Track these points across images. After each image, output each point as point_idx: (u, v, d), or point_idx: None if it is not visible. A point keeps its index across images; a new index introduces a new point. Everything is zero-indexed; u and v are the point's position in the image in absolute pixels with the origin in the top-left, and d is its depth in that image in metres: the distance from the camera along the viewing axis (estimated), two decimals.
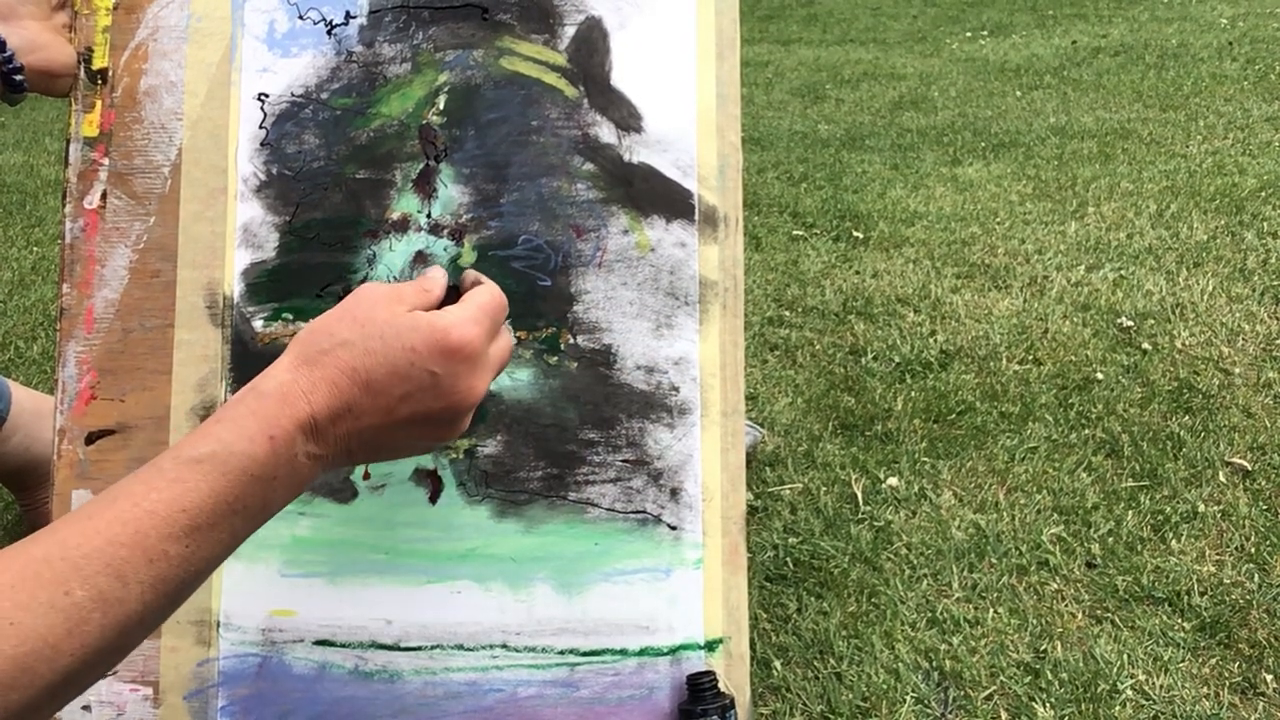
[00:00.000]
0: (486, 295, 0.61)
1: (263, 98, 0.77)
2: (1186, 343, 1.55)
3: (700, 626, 0.74)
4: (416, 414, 0.56)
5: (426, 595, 0.74)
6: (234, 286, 0.75)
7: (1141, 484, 1.22)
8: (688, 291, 0.76)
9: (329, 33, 0.77)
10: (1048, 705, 0.89)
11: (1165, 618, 0.99)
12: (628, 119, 0.77)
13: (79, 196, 0.76)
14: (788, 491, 1.25)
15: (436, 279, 0.63)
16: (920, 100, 3.59)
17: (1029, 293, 1.79)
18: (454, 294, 0.63)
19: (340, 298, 0.75)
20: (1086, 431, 1.33)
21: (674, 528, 0.75)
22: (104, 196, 0.75)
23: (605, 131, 0.77)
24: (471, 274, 0.68)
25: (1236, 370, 1.46)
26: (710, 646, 0.74)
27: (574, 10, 0.78)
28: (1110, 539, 1.12)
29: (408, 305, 0.57)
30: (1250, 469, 1.23)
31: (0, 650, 0.40)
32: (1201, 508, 1.15)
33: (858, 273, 1.94)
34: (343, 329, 0.55)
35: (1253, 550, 1.08)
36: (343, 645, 0.73)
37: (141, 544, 0.45)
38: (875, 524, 1.17)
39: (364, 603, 0.74)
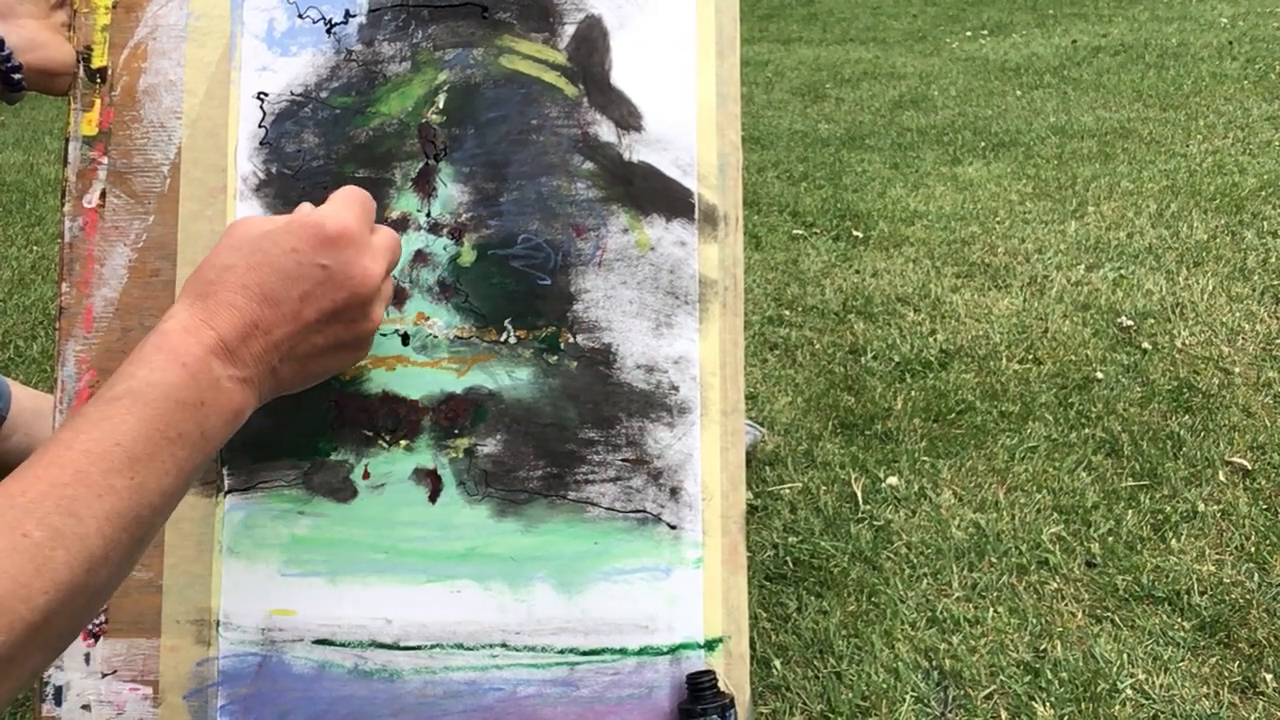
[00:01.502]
0: (348, 190, 0.62)
1: (262, 96, 0.77)
2: (1186, 342, 1.55)
3: (700, 626, 0.74)
4: (324, 311, 0.56)
5: (426, 594, 0.74)
6: None
7: (1141, 483, 1.22)
8: (687, 290, 0.76)
9: (328, 31, 0.77)
10: (1047, 704, 0.89)
11: (1165, 617, 0.99)
12: (628, 118, 0.77)
13: (78, 195, 0.75)
14: (787, 491, 1.25)
15: (303, 206, 0.63)
16: (920, 99, 3.59)
17: (1029, 292, 1.79)
18: None
19: None
20: (1086, 431, 1.33)
21: (674, 527, 0.75)
22: (103, 195, 0.75)
23: (605, 130, 0.77)
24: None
25: (1236, 370, 1.46)
26: (710, 646, 0.74)
27: (574, 9, 0.78)
28: (1110, 538, 1.12)
29: (280, 218, 0.58)
30: (1250, 468, 1.23)
31: None
32: (1201, 507, 1.15)
33: (858, 272, 1.94)
34: (224, 256, 0.56)
35: (1253, 549, 1.08)
36: (342, 645, 0.73)
37: (85, 481, 0.45)
38: (875, 523, 1.17)
39: (364, 602, 0.73)
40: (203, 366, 0.51)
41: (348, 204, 0.60)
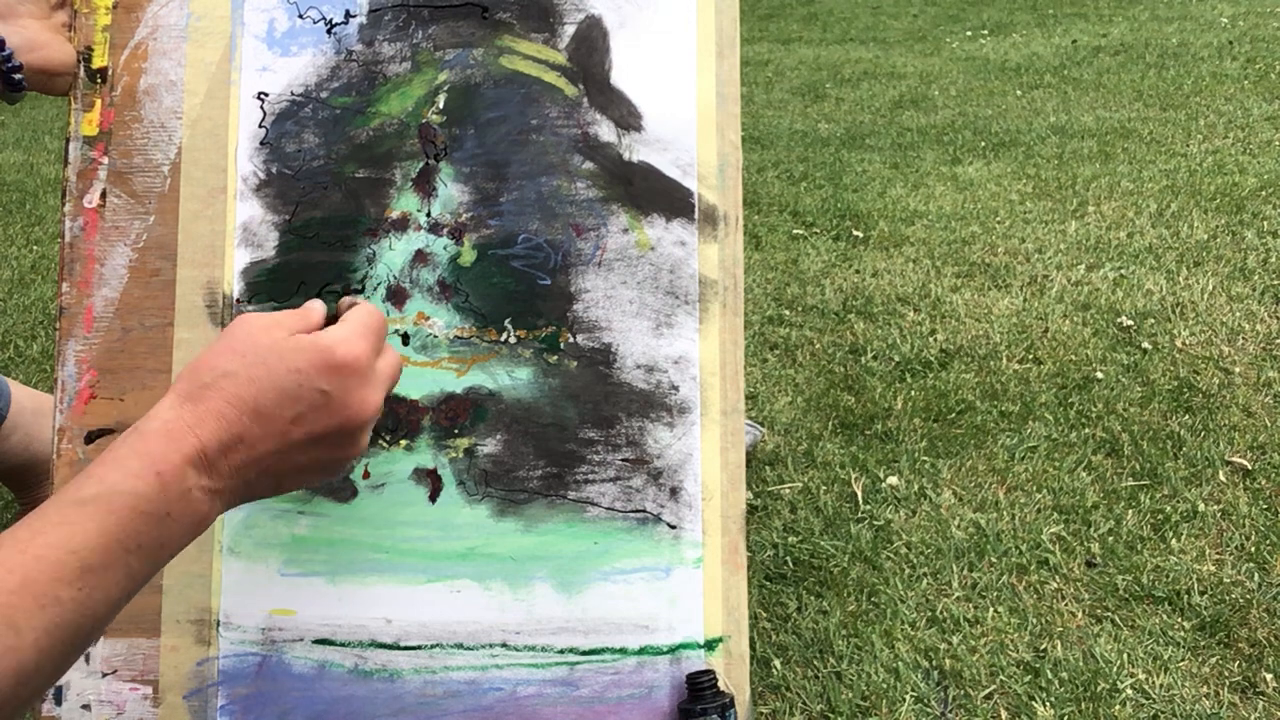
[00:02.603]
0: (365, 313, 0.60)
1: (262, 96, 0.77)
2: (1186, 342, 1.55)
3: (700, 625, 0.74)
4: (313, 434, 0.55)
5: (426, 594, 0.74)
6: (234, 285, 0.75)
7: (1141, 483, 1.22)
8: (687, 290, 0.76)
9: (329, 31, 0.77)
10: (1047, 704, 0.89)
11: (1165, 617, 0.99)
12: (627, 118, 0.77)
13: (78, 195, 0.75)
14: (787, 490, 1.25)
15: (314, 306, 0.62)
16: (920, 99, 3.59)
17: (1029, 292, 1.79)
18: (333, 321, 0.62)
19: (340, 296, 0.75)
20: (1086, 430, 1.33)
21: (674, 527, 0.75)
22: (103, 195, 0.75)
23: (605, 130, 0.77)
24: (348, 299, 0.67)
25: (1236, 369, 1.46)
26: (710, 645, 0.74)
27: (574, 9, 0.78)
28: (1110, 538, 1.12)
29: (288, 330, 0.57)
30: (1250, 468, 1.23)
31: None
32: (1201, 507, 1.15)
33: (858, 272, 1.94)
34: (224, 361, 0.54)
35: (1253, 549, 1.08)
36: (342, 644, 0.73)
37: (31, 590, 0.43)
38: (875, 523, 1.17)
39: (363, 602, 0.74)
40: (177, 476, 0.50)
41: (364, 332, 0.58)
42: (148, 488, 0.49)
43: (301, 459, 0.56)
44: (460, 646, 0.74)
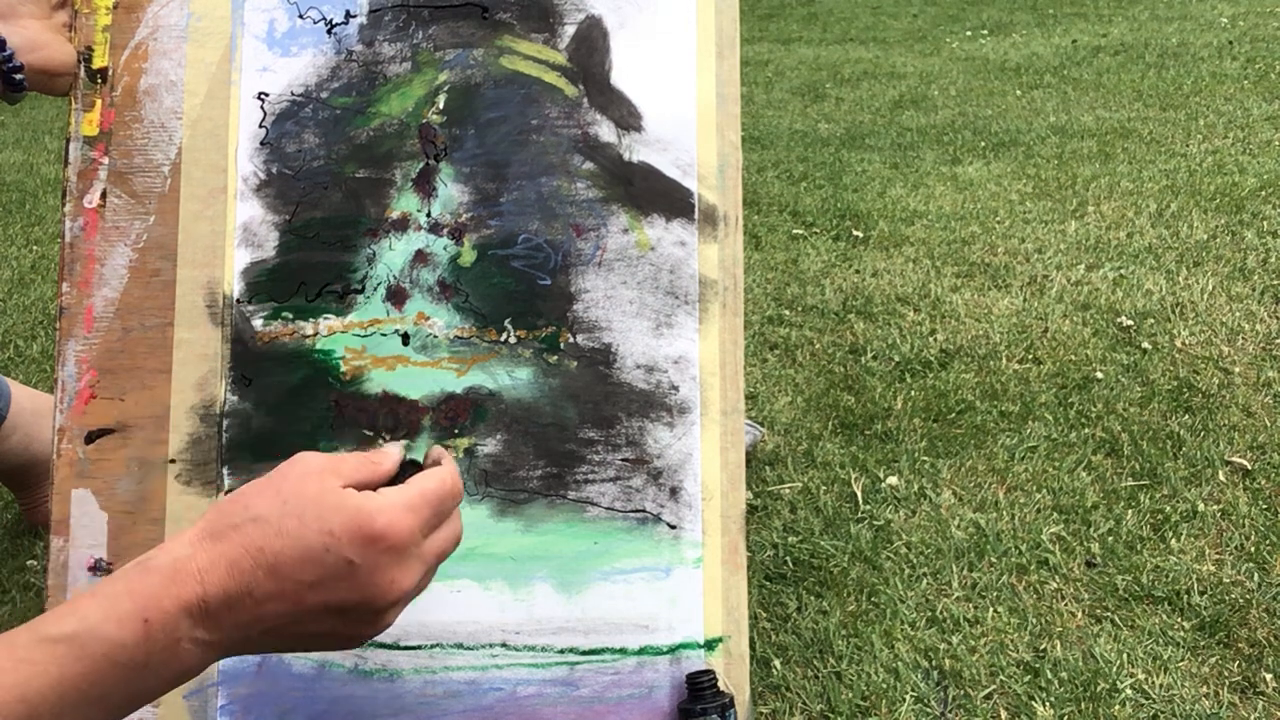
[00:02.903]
0: (434, 481, 0.55)
1: (262, 97, 0.77)
2: (1186, 342, 1.55)
3: (700, 625, 0.74)
4: (330, 604, 0.50)
5: (426, 594, 0.73)
6: (234, 285, 0.75)
7: (1141, 483, 1.22)
8: (687, 290, 0.76)
9: (329, 32, 0.77)
10: (1047, 704, 0.89)
11: (1165, 617, 0.99)
12: (627, 118, 0.77)
13: (79, 195, 0.75)
14: (787, 490, 1.25)
15: (390, 453, 0.58)
16: (920, 99, 3.59)
17: (1029, 292, 1.79)
18: (413, 469, 0.58)
19: (340, 296, 0.75)
20: (1086, 430, 1.33)
21: (673, 526, 0.75)
22: (104, 195, 0.75)
23: (605, 130, 0.77)
24: (437, 451, 0.63)
25: (1236, 369, 1.46)
26: (710, 645, 0.74)
27: (574, 9, 0.78)
28: (1110, 538, 1.12)
29: (344, 480, 0.53)
30: (1250, 468, 1.23)
31: None
32: (1201, 507, 1.15)
33: (857, 272, 1.94)
34: (260, 502, 0.50)
35: (1252, 549, 1.08)
36: None
37: None
38: (875, 523, 1.17)
39: None
40: (168, 624, 0.46)
41: (419, 504, 0.53)
42: (129, 635, 0.45)
43: (314, 627, 0.51)
44: (460, 646, 0.74)
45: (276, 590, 0.49)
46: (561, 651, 0.74)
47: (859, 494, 1.22)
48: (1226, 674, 0.92)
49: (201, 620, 0.47)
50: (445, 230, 0.76)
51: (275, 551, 0.49)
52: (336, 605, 0.50)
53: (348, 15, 0.77)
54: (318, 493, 0.51)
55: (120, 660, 0.45)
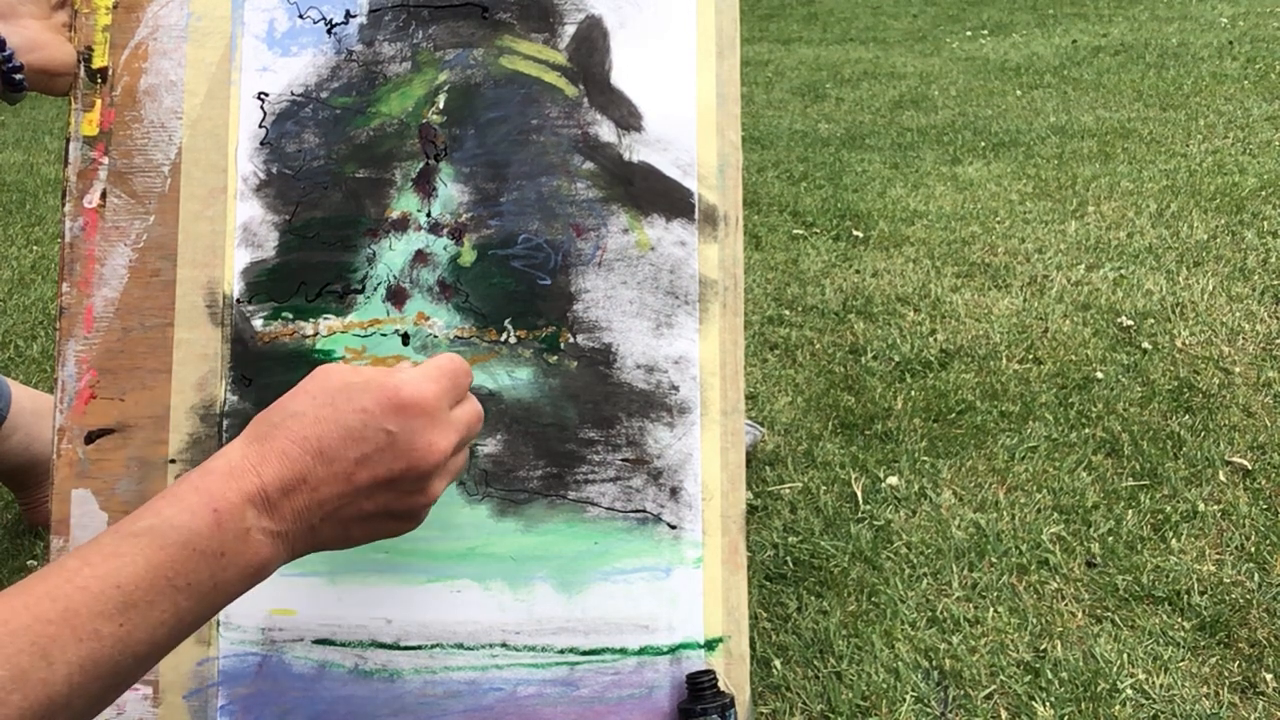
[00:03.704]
0: (445, 359, 0.59)
1: (262, 97, 0.77)
2: (1186, 342, 1.55)
3: (700, 625, 0.74)
4: (379, 478, 0.54)
5: (426, 594, 0.74)
6: (234, 285, 0.75)
7: (1141, 483, 1.22)
8: (688, 290, 0.76)
9: (329, 31, 0.77)
10: (1047, 704, 0.89)
11: (1165, 617, 0.99)
12: (628, 118, 0.77)
13: (78, 195, 0.75)
14: (787, 490, 1.25)
15: (404, 366, 0.61)
16: (920, 99, 3.59)
17: (1029, 292, 1.79)
18: None
19: (340, 296, 0.75)
20: (1086, 431, 1.33)
21: (674, 527, 0.75)
22: (104, 195, 0.75)
23: (605, 130, 0.77)
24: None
25: (1236, 369, 1.46)
26: (710, 645, 0.74)
27: (574, 9, 0.78)
28: (1110, 538, 1.12)
29: (364, 376, 0.56)
30: (1250, 468, 1.23)
31: None
32: (1201, 507, 1.15)
33: (858, 272, 1.94)
34: (295, 403, 0.54)
35: (1253, 549, 1.08)
36: (342, 644, 0.73)
37: (71, 621, 0.43)
38: (875, 523, 1.17)
39: (364, 602, 0.74)
40: (235, 514, 0.49)
41: (436, 375, 0.57)
42: (202, 524, 0.48)
43: (368, 505, 0.54)
44: (460, 646, 0.74)
45: (328, 474, 0.52)
46: (561, 652, 0.74)
47: (859, 494, 1.22)
48: (1227, 674, 0.92)
49: (265, 510, 0.51)
50: (445, 230, 0.76)
51: (318, 437, 0.52)
52: (385, 478, 0.54)
53: (348, 15, 0.77)
54: (343, 383, 0.55)
55: (199, 548, 0.47)
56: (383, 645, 0.73)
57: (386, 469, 0.54)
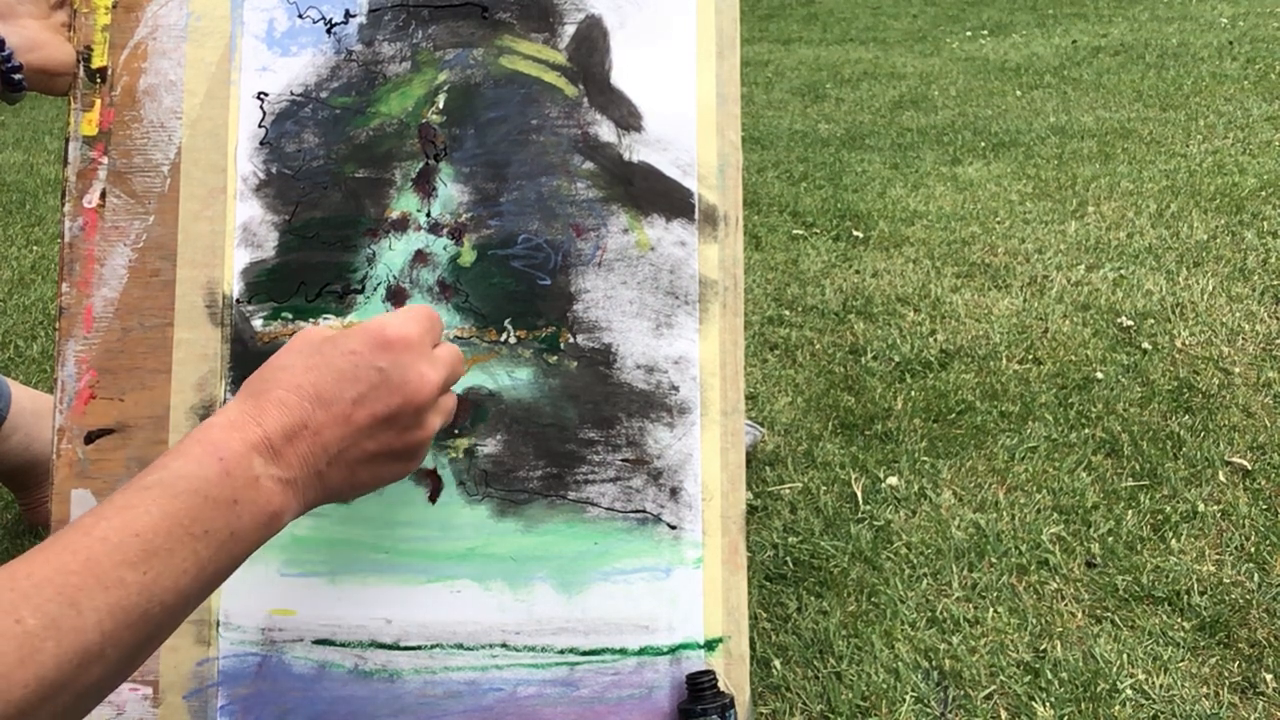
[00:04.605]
0: (419, 306, 0.62)
1: (262, 96, 0.77)
2: (1186, 342, 1.55)
3: (700, 626, 0.74)
4: (377, 415, 0.56)
5: (426, 594, 0.74)
6: (233, 285, 0.75)
7: (1141, 483, 1.22)
8: (688, 290, 0.76)
9: (328, 31, 0.77)
10: (1047, 704, 0.89)
11: (1165, 617, 0.99)
12: (627, 118, 0.77)
13: (78, 195, 0.75)
14: (787, 491, 1.25)
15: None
16: (920, 100, 3.59)
17: (1029, 292, 1.79)
18: None
19: (341, 297, 0.75)
20: (1086, 431, 1.33)
21: (674, 527, 0.75)
22: (103, 195, 0.75)
23: (605, 130, 0.77)
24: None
25: (1236, 370, 1.46)
26: (710, 646, 0.74)
27: (574, 9, 0.78)
28: (1110, 538, 1.12)
29: (344, 330, 0.58)
30: (1250, 468, 1.23)
31: None
32: (1201, 507, 1.15)
33: (858, 272, 1.94)
34: (282, 358, 0.56)
35: (1253, 550, 1.08)
36: (342, 645, 0.73)
37: (94, 570, 0.43)
38: (875, 523, 1.17)
39: (363, 602, 0.74)
40: (242, 463, 0.50)
41: (414, 317, 0.60)
42: (210, 472, 0.49)
43: (370, 445, 0.56)
44: (460, 647, 0.74)
45: (328, 417, 0.54)
46: (561, 652, 0.74)
47: (859, 494, 1.22)
48: (1226, 674, 0.92)
49: (271, 457, 0.52)
50: (445, 230, 0.76)
51: (313, 383, 0.54)
52: (383, 414, 0.56)
53: (347, 15, 0.77)
54: (326, 336, 0.57)
55: (210, 495, 0.48)
56: (383, 645, 0.73)
57: (384, 405, 0.56)
